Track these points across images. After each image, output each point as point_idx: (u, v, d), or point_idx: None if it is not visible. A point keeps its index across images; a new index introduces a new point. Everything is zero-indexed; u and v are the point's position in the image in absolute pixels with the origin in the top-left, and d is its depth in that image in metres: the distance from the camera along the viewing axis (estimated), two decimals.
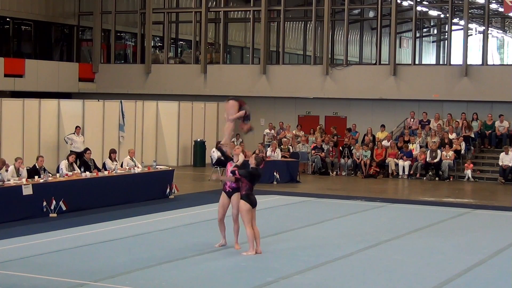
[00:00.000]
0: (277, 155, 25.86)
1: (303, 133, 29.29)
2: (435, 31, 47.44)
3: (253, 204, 12.45)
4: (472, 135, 27.93)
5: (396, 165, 26.88)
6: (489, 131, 28.10)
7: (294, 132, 29.42)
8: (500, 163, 25.68)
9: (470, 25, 35.79)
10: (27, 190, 16.17)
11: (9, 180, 16.56)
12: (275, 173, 24.38)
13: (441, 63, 42.49)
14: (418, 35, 40.17)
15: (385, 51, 33.68)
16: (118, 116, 27.35)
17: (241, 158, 12.92)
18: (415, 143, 27.35)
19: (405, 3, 35.77)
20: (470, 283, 11.14)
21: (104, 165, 20.34)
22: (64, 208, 16.67)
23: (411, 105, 29.70)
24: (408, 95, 29.65)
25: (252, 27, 32.82)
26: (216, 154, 25.11)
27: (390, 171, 26.90)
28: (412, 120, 29.18)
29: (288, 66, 32.59)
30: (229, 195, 12.85)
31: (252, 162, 12.62)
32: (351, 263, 12.30)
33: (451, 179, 26.19)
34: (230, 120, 13.46)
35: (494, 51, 50.71)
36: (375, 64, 32.36)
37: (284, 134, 28.92)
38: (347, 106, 31.16)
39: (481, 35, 41.06)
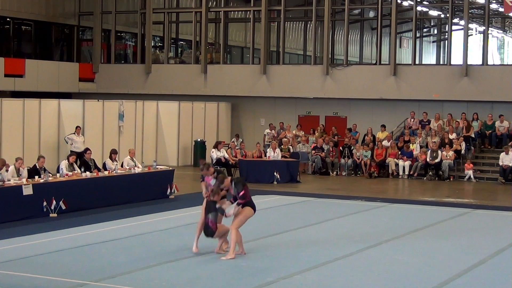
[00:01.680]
0: (277, 155, 25.85)
1: (303, 133, 29.28)
2: (435, 31, 47.46)
3: (255, 210, 12.51)
4: (472, 135, 27.93)
5: (396, 165, 26.86)
6: (489, 131, 28.09)
7: (294, 132, 29.41)
8: (500, 163, 25.66)
9: (470, 25, 35.80)
10: (27, 190, 16.17)
11: (9, 180, 16.55)
12: (275, 173, 24.37)
13: (441, 63, 42.51)
14: (418, 35, 40.16)
15: (385, 51, 33.69)
16: (118, 116, 27.38)
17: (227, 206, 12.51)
18: (415, 143, 27.34)
19: (405, 3, 35.77)
20: (470, 283, 11.14)
21: (104, 165, 20.34)
22: (64, 208, 16.67)
23: (411, 105, 29.69)
24: (409, 95, 29.64)
25: (252, 27, 32.80)
26: (215, 154, 25.14)
27: (390, 171, 26.89)
28: (412, 120, 29.18)
29: (288, 66, 32.57)
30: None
31: (227, 184, 12.50)
32: (351, 263, 12.30)
33: (451, 179, 26.18)
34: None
35: (495, 51, 50.75)
36: (375, 64, 32.36)
37: (284, 134, 28.91)
38: (348, 106, 31.15)
39: (481, 35, 41.09)
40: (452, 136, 27.42)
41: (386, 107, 30.30)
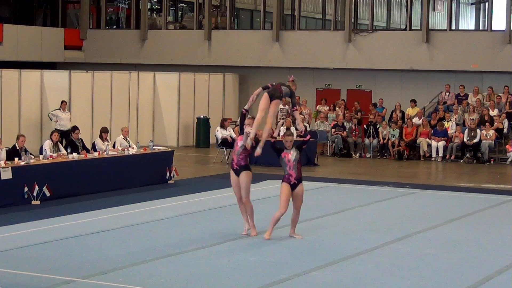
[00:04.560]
0: None
1: (328, 108, 29.21)
2: None
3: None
4: None
5: (429, 145, 26.86)
6: None
7: (318, 108, 29.40)
8: None
9: None
10: (6, 174, 16.22)
11: None
12: None
13: (481, 28, 42.30)
14: None
15: (416, 15, 33.53)
16: (110, 89, 27.42)
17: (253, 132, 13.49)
18: (450, 120, 27.31)
19: None
20: None
21: (93, 145, 20.38)
22: (48, 194, 16.73)
23: (446, 77, 29.62)
24: (443, 65, 29.56)
25: None
26: (221, 133, 25.14)
27: (421, 153, 26.89)
28: (447, 94, 29.12)
29: (304, 32, 32.50)
30: (237, 173, 13.34)
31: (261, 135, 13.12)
32: (376, 258, 12.32)
33: (492, 162, 26.15)
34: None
35: None
36: (405, 29, 32.25)
37: (300, 110, 28.88)
38: (373, 78, 31.11)
39: None
40: (493, 112, 27.36)
41: (417, 79, 30.24)
